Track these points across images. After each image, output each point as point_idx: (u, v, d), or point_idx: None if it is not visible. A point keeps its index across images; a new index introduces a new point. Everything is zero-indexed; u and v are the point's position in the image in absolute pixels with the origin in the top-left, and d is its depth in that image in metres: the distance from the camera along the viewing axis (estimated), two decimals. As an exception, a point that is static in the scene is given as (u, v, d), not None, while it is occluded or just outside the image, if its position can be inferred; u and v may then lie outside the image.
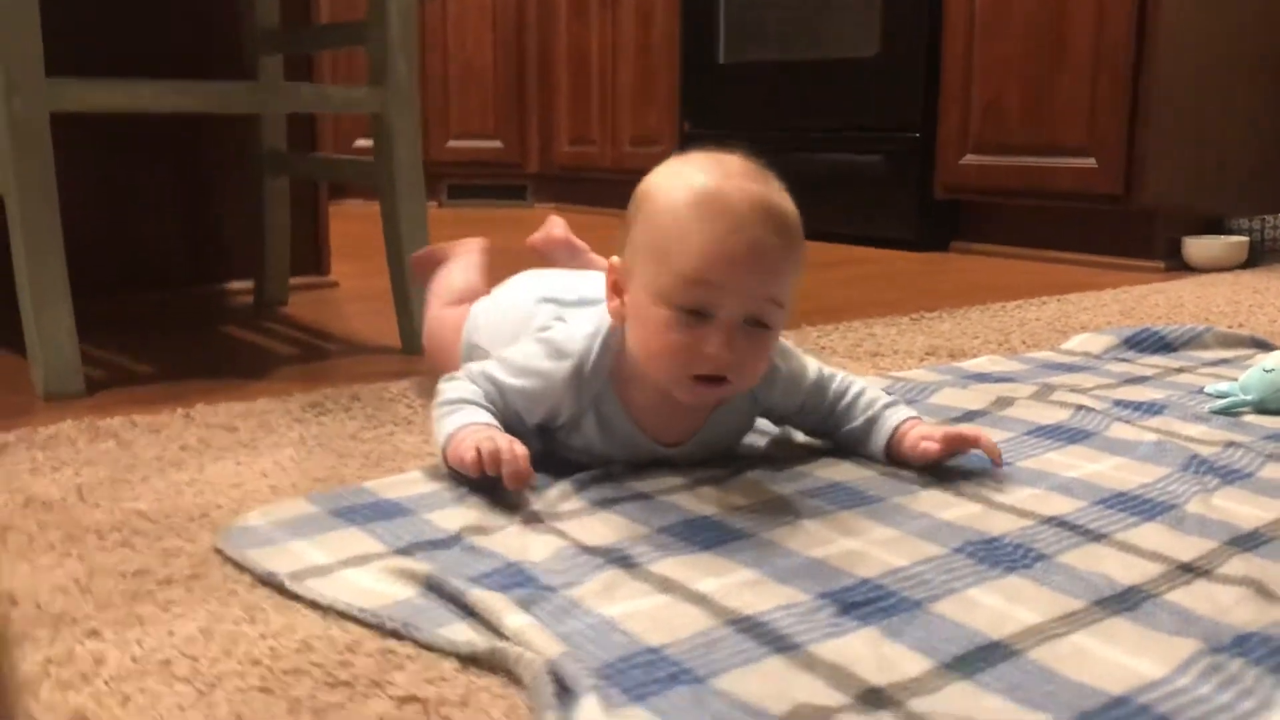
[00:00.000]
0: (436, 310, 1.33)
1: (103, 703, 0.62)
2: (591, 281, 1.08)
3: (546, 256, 1.45)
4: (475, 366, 1.03)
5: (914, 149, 2.98)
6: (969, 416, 1.21)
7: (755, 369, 0.94)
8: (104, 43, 1.88)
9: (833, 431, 1.08)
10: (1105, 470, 1.03)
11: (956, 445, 1.01)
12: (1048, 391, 1.30)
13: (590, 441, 1.01)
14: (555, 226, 1.46)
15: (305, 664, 0.66)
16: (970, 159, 2.88)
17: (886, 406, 1.06)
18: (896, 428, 1.04)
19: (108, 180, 1.97)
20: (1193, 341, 1.58)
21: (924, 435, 1.02)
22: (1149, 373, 1.43)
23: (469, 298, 1.27)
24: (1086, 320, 1.85)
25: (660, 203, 0.92)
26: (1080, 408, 1.21)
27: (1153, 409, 1.24)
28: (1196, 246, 2.62)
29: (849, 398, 1.07)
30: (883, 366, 1.49)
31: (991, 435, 1.13)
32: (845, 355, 1.57)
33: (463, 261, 1.39)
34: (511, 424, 1.00)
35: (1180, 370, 1.45)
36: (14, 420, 1.19)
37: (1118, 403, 1.26)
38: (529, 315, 1.07)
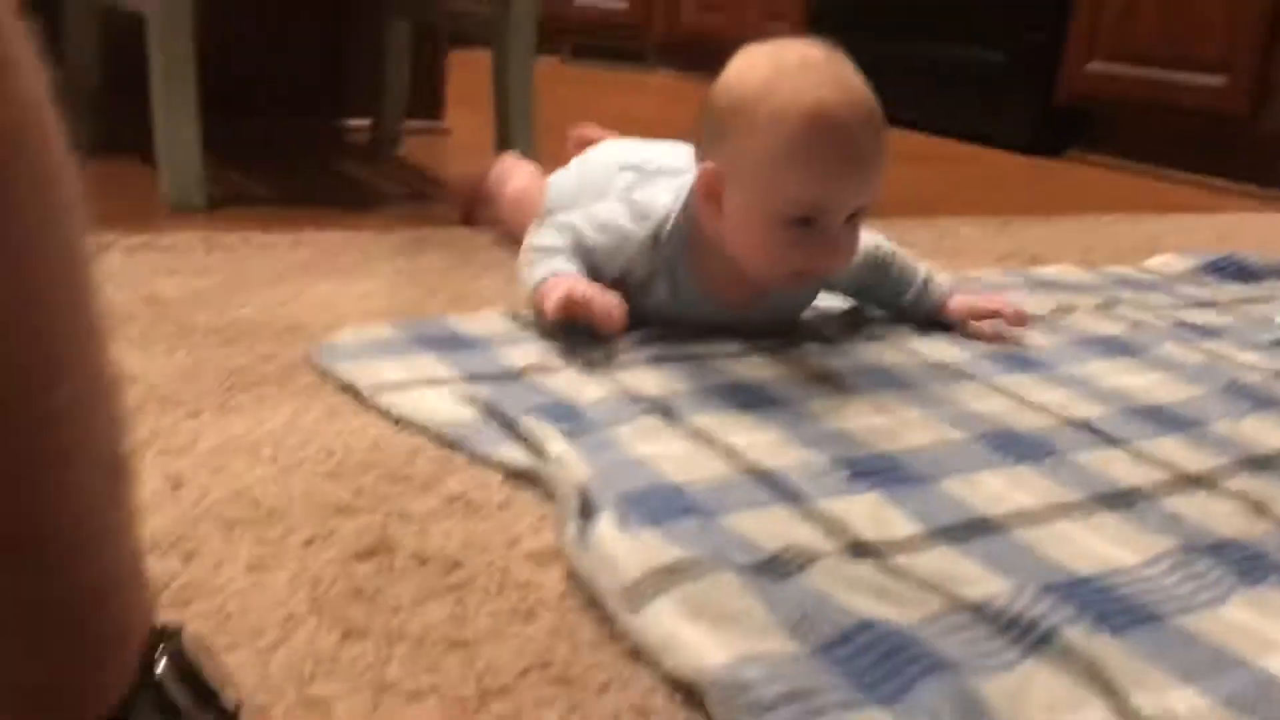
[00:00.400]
0: (514, 187, 1.39)
1: (197, 471, 0.72)
2: (670, 152, 1.14)
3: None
4: (562, 217, 1.09)
5: (1039, 50, 2.92)
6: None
7: (850, 258, 1.01)
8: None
9: (889, 303, 1.18)
10: (1144, 384, 1.07)
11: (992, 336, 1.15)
12: (1112, 305, 1.32)
13: (660, 302, 1.08)
14: (585, 129, 1.48)
15: (373, 460, 0.76)
16: (1096, 65, 2.81)
17: (929, 277, 1.18)
18: (941, 298, 1.17)
19: (240, 13, 2.05)
20: (1275, 273, 1.57)
21: (971, 312, 1.16)
22: (1221, 299, 1.44)
23: (537, 178, 1.33)
24: (1178, 242, 1.85)
25: (764, 120, 0.93)
26: (1138, 323, 1.24)
27: (1212, 332, 1.26)
28: (1318, 179, 2.54)
29: (903, 272, 1.17)
30: (958, 265, 1.52)
31: (1043, 338, 1.18)
32: (924, 250, 1.60)
33: (505, 164, 1.44)
34: (590, 277, 1.07)
35: (1254, 300, 1.46)
36: (142, 226, 1.30)
37: (1179, 324, 1.28)
38: (610, 181, 1.13)
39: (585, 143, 1.46)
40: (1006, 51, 3.00)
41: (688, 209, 1.04)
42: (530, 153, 1.64)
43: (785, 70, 0.95)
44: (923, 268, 1.18)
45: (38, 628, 0.36)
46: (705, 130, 1.01)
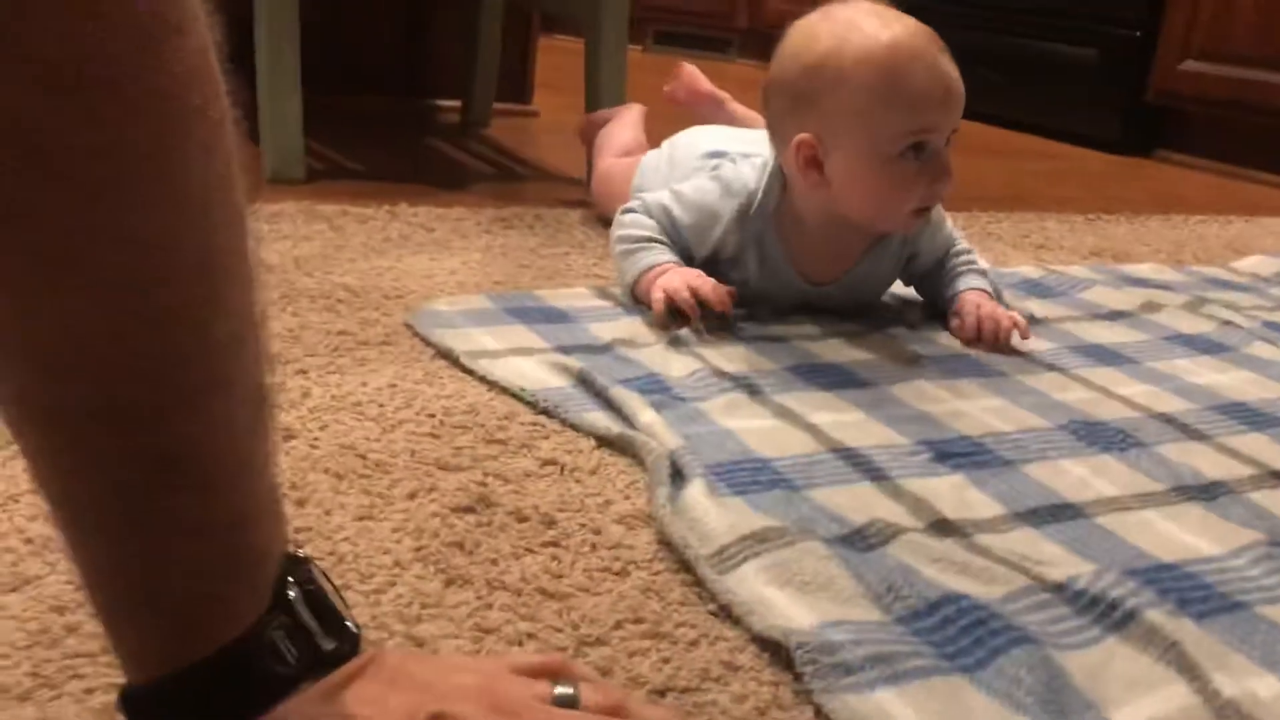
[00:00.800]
0: (607, 161, 1.42)
1: (306, 425, 0.76)
2: (754, 139, 1.15)
3: (693, 112, 1.50)
4: (651, 198, 1.11)
5: (1131, 47, 2.87)
6: (1114, 316, 1.25)
7: (953, 179, 1.02)
8: None
9: (932, 282, 1.17)
10: (1230, 382, 1.06)
11: (989, 340, 1.08)
12: (1200, 304, 1.31)
13: (748, 275, 1.10)
14: (697, 80, 1.51)
15: (470, 422, 0.79)
16: (1190, 65, 2.76)
17: (961, 272, 1.14)
18: (955, 295, 1.12)
19: (340, -11, 2.10)
20: (1371, 278, 1.55)
21: (963, 316, 1.09)
22: (1313, 302, 1.42)
23: (635, 151, 1.36)
24: (1270, 244, 1.82)
25: (851, 68, 0.97)
26: (1227, 323, 1.23)
27: (1302, 335, 1.25)
28: None
29: (951, 251, 1.16)
30: (1044, 259, 1.52)
31: (1129, 334, 1.18)
32: (1010, 244, 1.60)
33: (627, 119, 1.47)
34: (683, 257, 1.09)
35: (1348, 304, 1.43)
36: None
37: (1268, 324, 1.27)
38: (697, 169, 1.15)
39: (699, 98, 1.49)
40: (1099, 48, 2.96)
41: (771, 185, 1.06)
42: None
43: (849, 23, 0.99)
44: (969, 255, 1.17)
45: (196, 544, 0.39)
46: (779, 108, 1.03)
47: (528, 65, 2.36)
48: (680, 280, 1.03)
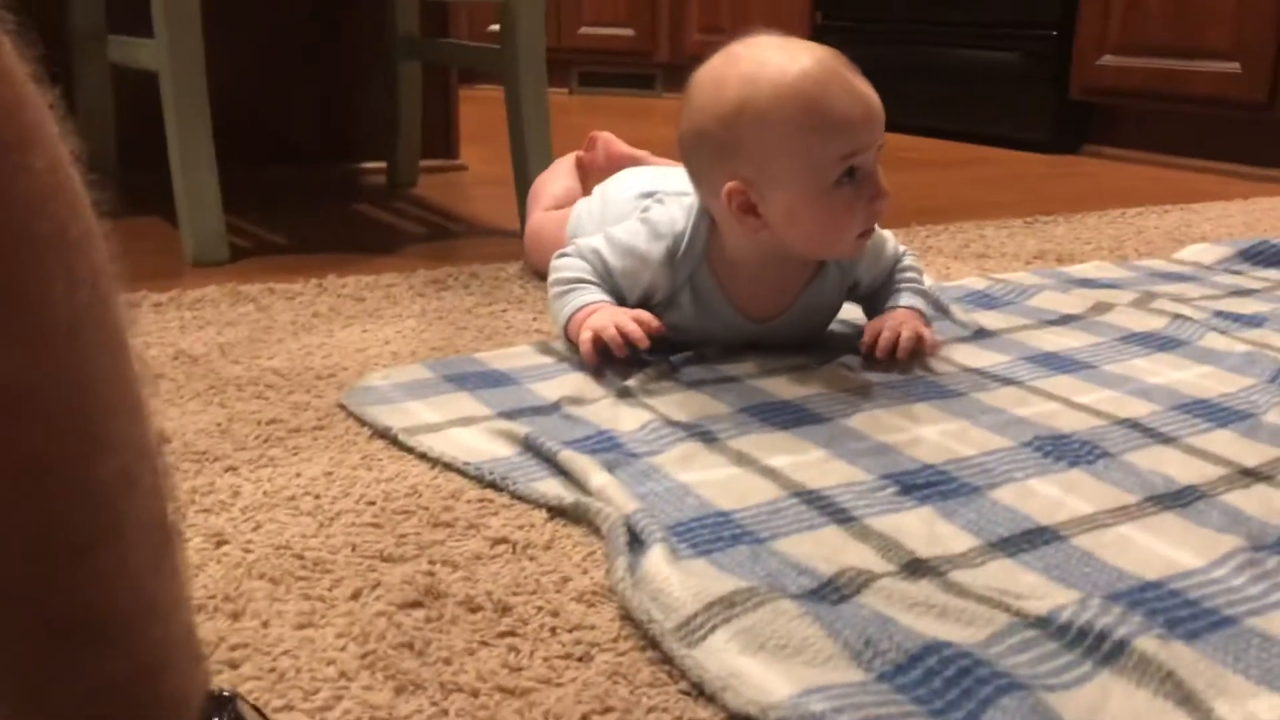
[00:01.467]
0: (536, 216, 1.40)
1: (238, 527, 0.71)
2: (687, 178, 1.13)
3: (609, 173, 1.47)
4: (584, 242, 1.09)
5: (1051, 48, 2.90)
6: (1064, 320, 1.23)
7: (888, 192, 1.00)
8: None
9: (873, 302, 1.15)
10: (1189, 378, 1.04)
11: (884, 354, 1.04)
12: (1148, 299, 1.30)
13: (686, 317, 1.07)
14: (613, 144, 1.47)
15: (413, 506, 0.75)
16: (1109, 59, 2.78)
17: (897, 289, 1.12)
18: (882, 311, 1.10)
19: (252, 60, 2.06)
20: (1312, 256, 1.55)
21: (870, 332, 1.07)
22: (1258, 286, 1.42)
23: (568, 201, 1.34)
24: (1207, 231, 1.82)
25: (768, 109, 0.95)
26: (1177, 316, 1.22)
27: (1253, 321, 1.24)
28: (1343, 158, 2.51)
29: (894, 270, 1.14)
30: (987, 268, 1.51)
31: (1083, 338, 1.16)
32: (951, 256, 1.58)
33: (559, 169, 1.45)
34: (617, 300, 1.06)
35: (1292, 285, 1.43)
36: (166, 283, 1.30)
37: (1218, 313, 1.26)
38: (629, 211, 1.13)
39: (618, 160, 1.46)
40: (1019, 52, 2.98)
41: (698, 226, 1.04)
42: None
43: (755, 63, 0.97)
44: (912, 271, 1.14)
45: (96, 705, 0.35)
46: (701, 160, 1.01)
47: (451, 120, 2.33)
48: (608, 318, 1.00)
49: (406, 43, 2.02)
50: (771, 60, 0.96)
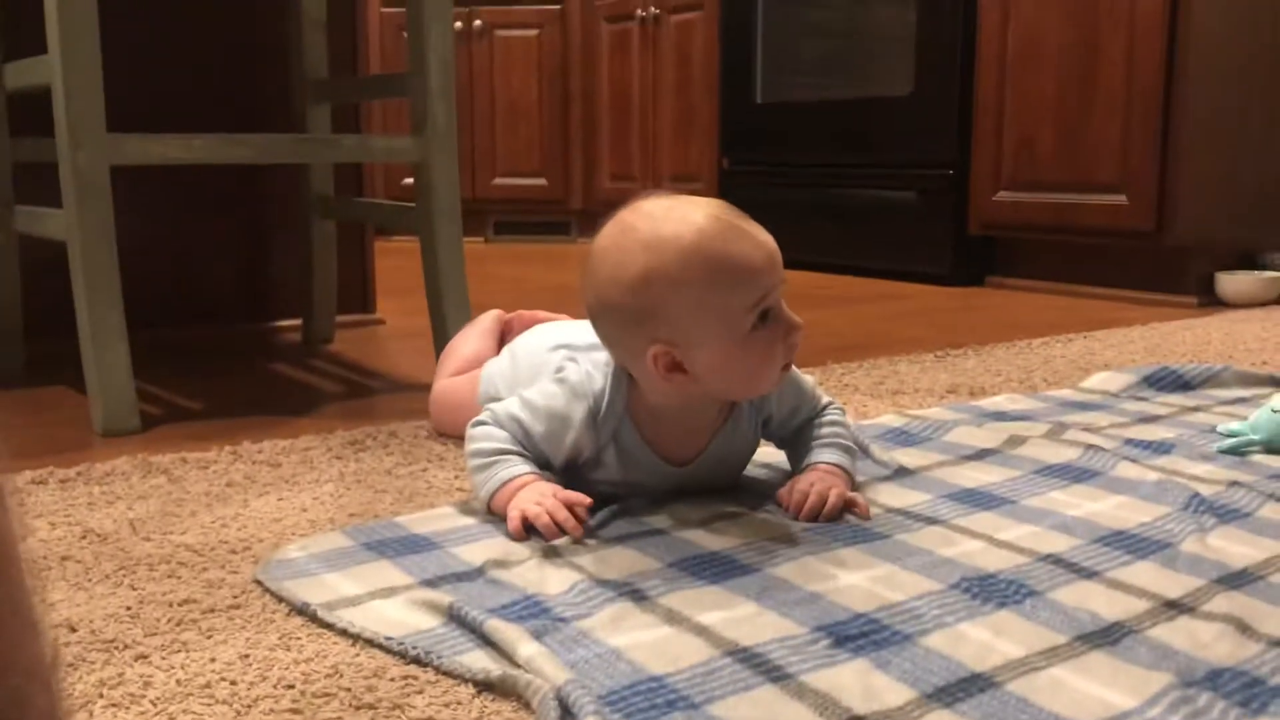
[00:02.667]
0: (441, 382, 1.39)
1: (150, 721, 0.68)
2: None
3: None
4: (501, 408, 1.08)
5: (948, 185, 3.02)
6: (980, 455, 1.25)
7: (799, 324, 1.02)
8: (159, 95, 1.98)
9: (795, 449, 1.15)
10: (1106, 509, 1.06)
11: (807, 517, 1.03)
12: (1060, 430, 1.33)
13: (611, 472, 1.07)
14: (535, 317, 1.46)
15: (334, 688, 0.72)
16: (1004, 195, 2.91)
17: (824, 444, 1.12)
18: (805, 466, 1.10)
19: (162, 222, 2.06)
20: (1211, 380, 1.60)
21: (793, 488, 1.06)
22: (1164, 411, 1.46)
23: (477, 364, 1.33)
24: (1111, 358, 1.88)
25: (678, 273, 0.97)
26: (1090, 447, 1.24)
27: (1162, 448, 1.27)
28: (1229, 282, 2.63)
29: (819, 420, 1.14)
30: (903, 404, 1.53)
31: (1001, 473, 1.18)
32: (867, 393, 1.61)
33: (475, 328, 1.45)
34: (540, 464, 1.06)
35: (1195, 409, 1.48)
36: (74, 456, 1.26)
37: (1129, 441, 1.29)
38: (544, 363, 1.13)
39: (528, 323, 1.46)
40: (917, 190, 3.10)
41: (618, 384, 1.05)
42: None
43: (651, 231, 0.98)
44: (835, 425, 1.14)
45: None
46: (615, 329, 1.02)
47: (367, 274, 2.34)
48: (537, 498, 0.99)
49: (321, 202, 2.04)
50: (667, 224, 0.98)
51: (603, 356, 1.07)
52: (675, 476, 1.08)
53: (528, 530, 0.98)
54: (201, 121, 1.92)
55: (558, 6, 4.38)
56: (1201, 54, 2.55)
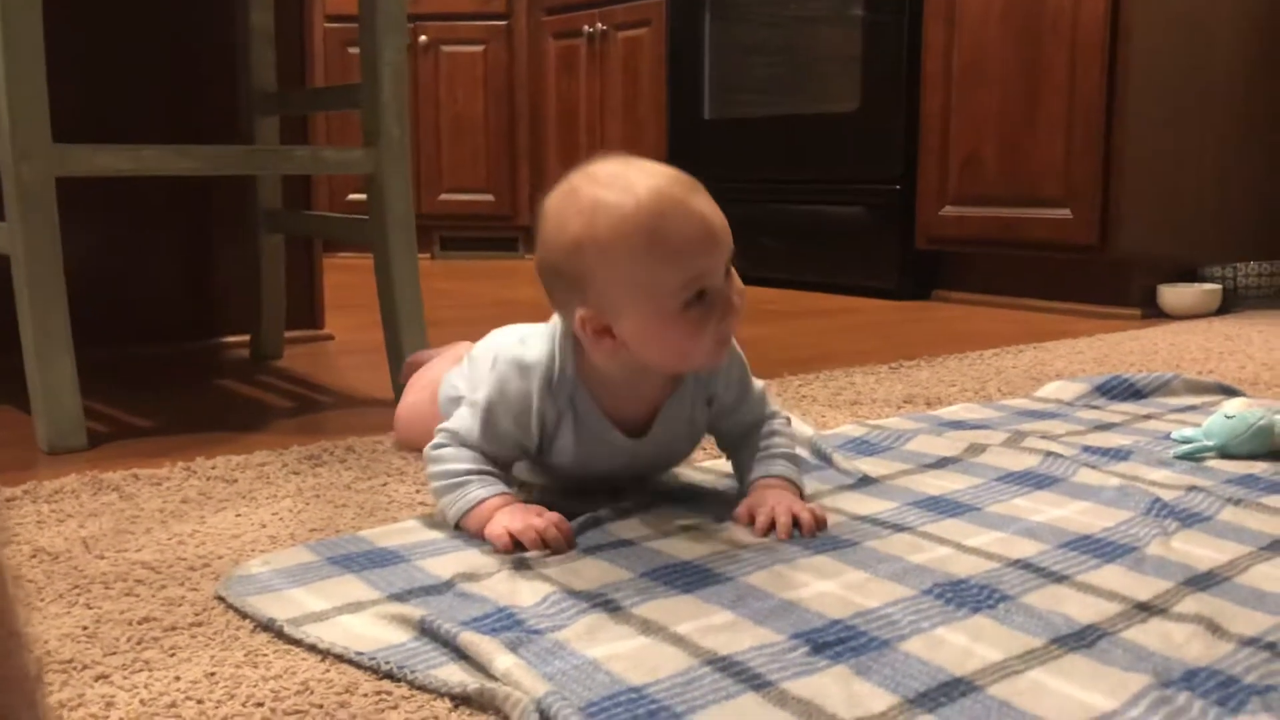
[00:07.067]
0: (408, 400, 1.37)
1: (114, 742, 0.65)
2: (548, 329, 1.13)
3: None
4: (459, 425, 1.06)
5: (895, 200, 3.05)
6: (942, 463, 1.26)
7: (744, 299, 1.01)
8: (105, 106, 1.94)
9: (740, 456, 1.14)
10: (1070, 515, 1.07)
11: (761, 533, 1.02)
12: (1019, 438, 1.34)
13: (567, 449, 1.06)
14: (445, 357, 1.45)
15: (305, 705, 0.70)
16: (950, 210, 2.94)
17: (770, 455, 1.10)
18: (754, 480, 1.09)
19: (108, 236, 2.02)
20: (1162, 389, 1.63)
21: (748, 509, 1.04)
22: (1118, 419, 1.48)
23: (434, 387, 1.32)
24: (1062, 368, 1.91)
25: (608, 243, 0.96)
26: (1049, 454, 1.25)
27: (1119, 454, 1.29)
28: (1171, 294, 2.68)
29: (766, 429, 1.13)
30: (861, 414, 1.54)
31: (963, 480, 1.18)
32: (825, 404, 1.61)
33: (448, 357, 1.43)
34: (515, 459, 1.06)
35: (1148, 417, 1.50)
36: (20, 474, 1.22)
37: (1086, 448, 1.31)
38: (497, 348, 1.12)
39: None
40: (864, 205, 3.13)
41: (566, 348, 1.05)
42: (423, 350, 1.62)
43: (594, 198, 0.98)
44: (782, 436, 1.13)
45: None
46: (555, 288, 1.02)
47: (315, 289, 2.31)
48: (522, 521, 0.97)
49: (270, 216, 2.00)
50: (610, 191, 0.97)
51: (544, 329, 1.07)
52: (627, 452, 1.08)
53: (515, 547, 0.97)
54: (146, 133, 1.88)
55: (504, 22, 4.37)
56: (1141, 71, 2.60)
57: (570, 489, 1.12)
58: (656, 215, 0.95)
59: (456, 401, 1.17)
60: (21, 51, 1.34)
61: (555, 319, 1.06)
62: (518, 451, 1.07)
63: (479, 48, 4.36)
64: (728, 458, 1.17)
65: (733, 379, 1.11)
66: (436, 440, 1.07)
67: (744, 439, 1.14)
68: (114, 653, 0.77)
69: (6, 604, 0.34)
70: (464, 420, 1.06)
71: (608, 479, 1.11)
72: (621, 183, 0.98)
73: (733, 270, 1.01)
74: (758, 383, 1.15)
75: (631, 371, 1.04)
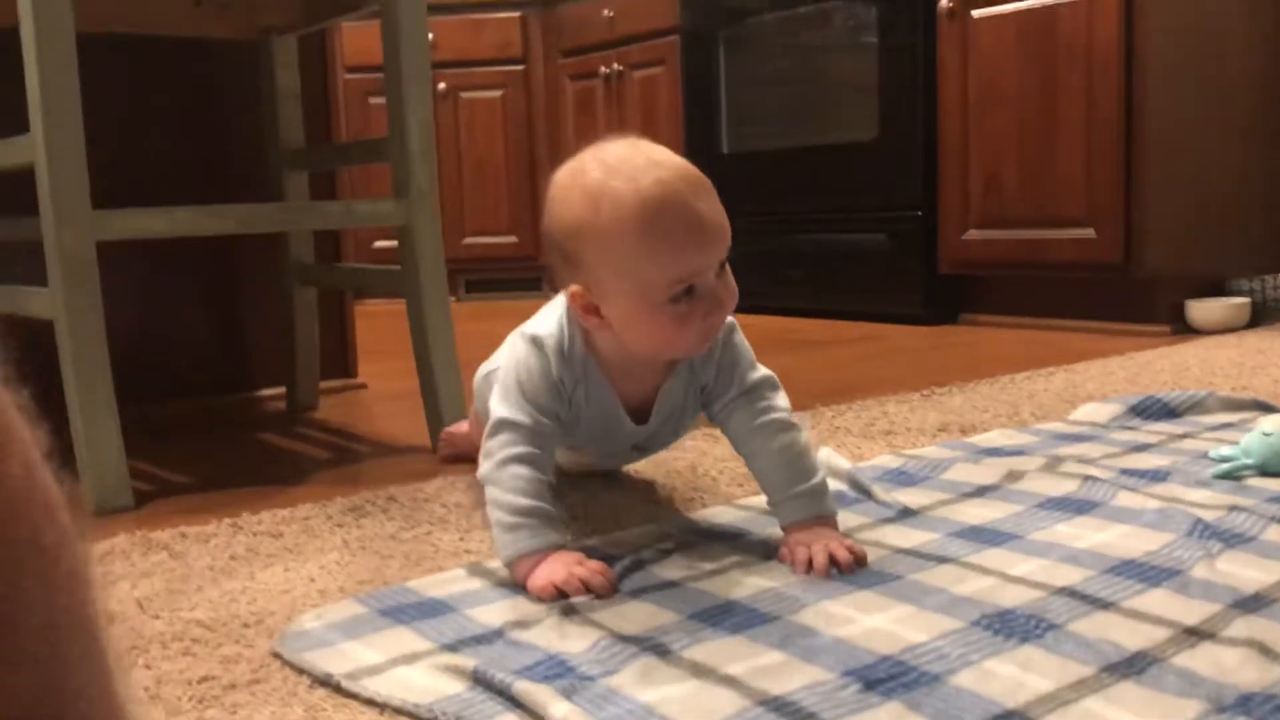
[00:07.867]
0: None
1: (183, 803, 0.67)
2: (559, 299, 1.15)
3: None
4: (504, 415, 1.06)
5: (917, 226, 3.06)
6: (981, 491, 1.26)
7: (734, 299, 1.04)
8: (136, 167, 1.98)
9: (746, 456, 1.13)
10: (1112, 539, 1.07)
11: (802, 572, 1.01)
12: (1056, 463, 1.34)
13: (580, 418, 1.11)
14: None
15: (367, 759, 0.71)
16: (973, 234, 2.95)
17: (799, 496, 1.08)
18: (789, 525, 1.07)
19: (145, 294, 2.05)
20: (1196, 407, 1.63)
21: (793, 552, 1.04)
22: (1154, 440, 1.48)
23: None
24: (1094, 389, 1.90)
25: (606, 229, 0.99)
26: (1088, 478, 1.26)
27: (1158, 476, 1.29)
28: (1199, 309, 2.67)
29: (777, 441, 1.10)
30: (897, 445, 1.54)
31: (1003, 508, 1.19)
32: (860, 435, 1.62)
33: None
34: (555, 431, 1.09)
35: (1184, 436, 1.50)
36: (70, 536, 1.24)
37: (1124, 471, 1.31)
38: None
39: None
40: (886, 233, 3.14)
41: (572, 319, 1.09)
42: (459, 397, 1.64)
43: (600, 183, 1.00)
44: (821, 471, 1.11)
45: None
46: (554, 261, 1.06)
47: (347, 339, 2.34)
48: (565, 572, 0.98)
49: (302, 269, 2.03)
50: (615, 178, 0.99)
51: (550, 307, 1.12)
52: (633, 436, 1.14)
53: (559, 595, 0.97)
54: (178, 192, 1.91)
55: (521, 67, 4.42)
56: (1158, 84, 2.61)
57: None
58: (654, 210, 0.98)
59: (487, 378, 1.24)
60: (61, 120, 1.37)
61: (562, 295, 1.10)
62: (556, 411, 1.08)
63: (497, 93, 4.41)
64: (747, 466, 1.15)
65: (723, 375, 1.13)
66: (488, 430, 1.07)
67: (748, 437, 1.11)
68: (178, 713, 0.79)
69: (109, 682, 0.35)
70: (502, 405, 1.07)
71: (616, 456, 1.21)
72: (628, 169, 1.00)
73: (727, 268, 1.03)
74: (762, 370, 1.14)
75: (623, 352, 1.08)
